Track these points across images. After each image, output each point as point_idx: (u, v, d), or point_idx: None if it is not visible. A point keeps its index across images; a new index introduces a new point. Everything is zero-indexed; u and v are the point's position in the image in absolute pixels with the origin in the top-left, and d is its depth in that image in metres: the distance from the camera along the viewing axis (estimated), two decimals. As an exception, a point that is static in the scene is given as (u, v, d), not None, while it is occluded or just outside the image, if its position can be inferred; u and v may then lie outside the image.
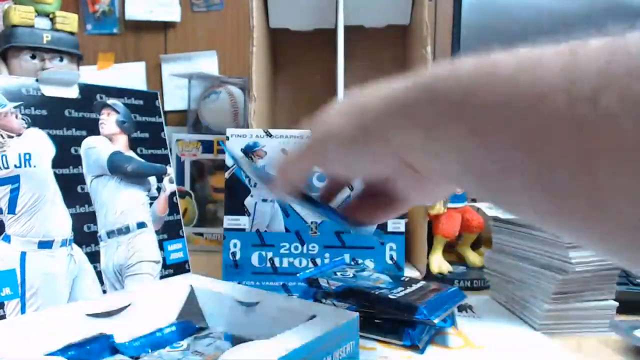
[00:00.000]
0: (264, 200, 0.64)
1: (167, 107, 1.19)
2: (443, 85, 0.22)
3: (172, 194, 0.60)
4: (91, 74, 1.14)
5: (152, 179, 0.58)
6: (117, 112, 0.55)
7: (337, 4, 0.82)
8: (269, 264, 0.63)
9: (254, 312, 0.42)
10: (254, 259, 0.63)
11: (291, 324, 0.34)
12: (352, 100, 0.30)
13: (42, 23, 0.91)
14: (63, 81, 0.51)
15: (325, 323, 0.35)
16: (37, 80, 0.49)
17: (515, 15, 1.05)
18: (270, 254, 0.63)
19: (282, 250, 0.63)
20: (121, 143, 0.55)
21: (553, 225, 0.20)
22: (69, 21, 0.94)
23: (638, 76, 0.14)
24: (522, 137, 0.18)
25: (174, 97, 1.18)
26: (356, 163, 0.30)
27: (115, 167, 0.54)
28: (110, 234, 0.52)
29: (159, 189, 0.58)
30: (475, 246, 0.80)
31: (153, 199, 0.57)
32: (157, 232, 0.57)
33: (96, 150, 0.52)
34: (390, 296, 0.47)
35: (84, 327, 0.39)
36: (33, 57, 0.89)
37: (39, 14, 0.91)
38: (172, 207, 0.59)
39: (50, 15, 0.92)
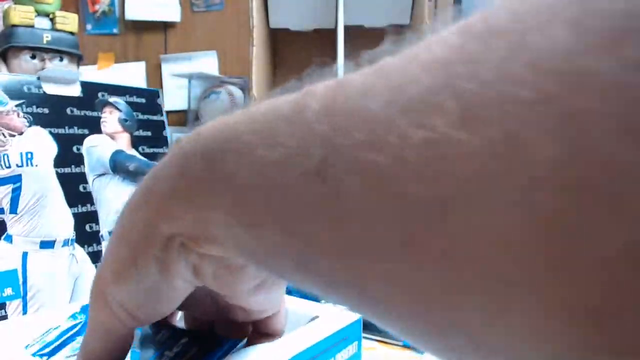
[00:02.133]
0: (264, 200, 0.64)
1: (167, 107, 1.19)
2: (190, 157, 0.16)
3: None
4: (91, 74, 1.14)
5: None
6: (119, 110, 0.56)
7: (337, 4, 0.82)
8: (269, 264, 0.63)
9: None
10: (254, 259, 0.63)
11: (294, 325, 0.34)
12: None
13: (42, 23, 0.91)
14: (65, 79, 0.51)
15: (329, 324, 0.34)
16: (38, 78, 0.49)
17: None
18: (270, 254, 0.63)
19: (282, 250, 0.63)
20: (123, 141, 0.55)
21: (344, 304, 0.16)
22: (69, 21, 0.94)
23: (360, 140, 0.11)
24: (276, 216, 0.14)
25: (174, 97, 1.18)
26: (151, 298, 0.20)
27: (118, 165, 0.54)
28: (112, 233, 0.52)
29: None
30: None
31: None
32: (158, 232, 0.57)
33: (98, 148, 0.53)
34: None
35: None
36: (33, 57, 0.89)
37: (39, 14, 0.91)
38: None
39: (50, 15, 0.92)
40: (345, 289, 0.14)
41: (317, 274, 0.14)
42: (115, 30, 1.17)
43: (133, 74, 1.18)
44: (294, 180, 0.13)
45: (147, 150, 0.58)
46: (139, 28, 1.17)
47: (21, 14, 0.88)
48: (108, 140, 0.54)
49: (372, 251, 0.12)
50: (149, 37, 1.18)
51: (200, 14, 1.17)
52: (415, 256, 0.11)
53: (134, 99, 0.58)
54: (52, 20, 0.92)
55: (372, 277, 0.12)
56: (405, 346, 0.45)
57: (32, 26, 0.90)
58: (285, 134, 0.14)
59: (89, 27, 1.17)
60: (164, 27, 1.18)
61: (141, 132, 0.58)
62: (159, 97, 0.61)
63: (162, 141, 0.60)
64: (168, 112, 1.21)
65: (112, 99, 0.56)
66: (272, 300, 0.23)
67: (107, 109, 0.55)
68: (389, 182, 0.11)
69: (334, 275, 0.14)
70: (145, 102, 0.59)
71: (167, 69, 1.18)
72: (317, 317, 0.35)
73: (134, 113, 0.57)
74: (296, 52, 0.96)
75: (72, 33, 0.94)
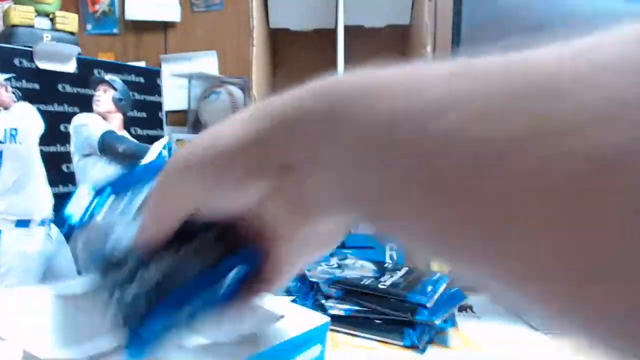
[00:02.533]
0: (264, 200, 0.64)
1: (167, 107, 1.19)
2: (335, 92, 0.19)
3: None
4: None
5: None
6: (115, 89, 0.54)
7: (337, 4, 0.82)
8: (269, 264, 0.63)
9: None
10: (254, 259, 0.63)
11: (259, 323, 0.32)
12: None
13: (42, 23, 0.91)
14: (60, 56, 0.49)
15: (293, 326, 0.32)
16: (32, 53, 0.47)
17: (516, 15, 1.05)
18: (270, 254, 0.63)
19: (282, 250, 0.63)
20: (115, 122, 0.53)
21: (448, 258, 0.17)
22: (69, 21, 0.93)
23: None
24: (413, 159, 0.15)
25: (174, 97, 1.18)
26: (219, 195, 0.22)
27: (107, 147, 0.52)
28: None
29: None
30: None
31: None
32: (144, 214, 0.55)
33: (87, 128, 0.51)
34: (380, 285, 0.48)
35: (52, 308, 0.37)
36: (33, 57, 0.89)
37: (39, 14, 0.91)
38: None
39: (51, 15, 0.92)
40: (486, 253, 0.14)
41: (457, 237, 0.15)
42: (115, 30, 1.17)
43: (133, 74, 1.18)
44: (448, 125, 0.14)
45: (140, 131, 0.56)
46: (139, 28, 1.17)
47: (21, 14, 0.88)
48: (99, 119, 0.52)
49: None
50: (149, 37, 1.18)
51: (200, 14, 1.17)
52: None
53: (132, 77, 0.56)
54: (52, 20, 0.92)
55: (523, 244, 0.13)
56: (406, 346, 0.45)
57: (32, 26, 0.90)
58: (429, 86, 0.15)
59: (89, 27, 1.17)
60: (164, 27, 1.17)
61: (136, 113, 0.55)
62: (159, 76, 0.59)
63: (157, 123, 0.58)
64: (168, 112, 1.21)
65: (109, 77, 0.54)
66: (294, 267, 0.25)
67: (102, 87, 0.53)
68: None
69: (476, 235, 0.14)
70: (144, 82, 0.56)
71: (167, 69, 1.18)
72: (282, 316, 0.33)
73: (130, 93, 0.55)
74: (296, 52, 0.96)
75: (72, 33, 0.94)
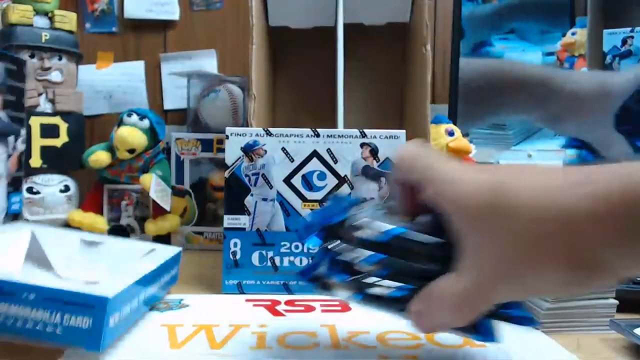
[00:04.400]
0: (264, 200, 0.64)
1: (167, 106, 1.19)
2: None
3: (21, 154, 0.69)
4: (91, 73, 1.14)
5: (10, 138, 0.65)
6: None
7: (336, 2, 0.82)
8: (269, 263, 0.63)
9: (97, 251, 0.45)
10: (255, 258, 0.63)
11: (138, 254, 0.44)
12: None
13: (41, 22, 0.91)
14: None
15: (162, 255, 0.45)
16: None
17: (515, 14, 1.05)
18: (270, 253, 0.63)
19: (282, 250, 0.63)
20: None
21: None
22: (68, 20, 0.93)
23: None
24: None
25: (174, 96, 1.18)
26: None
27: None
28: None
29: (14, 148, 0.65)
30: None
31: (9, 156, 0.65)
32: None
33: None
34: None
35: None
36: (32, 56, 0.89)
37: (38, 12, 0.91)
38: (20, 165, 0.69)
39: (49, 14, 0.92)
40: None
41: None
42: (114, 29, 1.17)
43: (132, 73, 1.17)
44: None
45: (10, 113, 0.63)
46: (138, 27, 1.17)
47: (20, 13, 0.88)
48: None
49: None
50: (148, 36, 1.17)
51: (200, 12, 1.17)
52: None
53: (7, 64, 0.63)
54: (50, 19, 0.92)
55: None
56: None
57: (31, 25, 0.89)
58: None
59: (88, 25, 1.16)
60: (164, 26, 1.17)
61: (9, 97, 0.62)
62: (25, 66, 0.70)
63: (21, 107, 0.67)
64: (167, 111, 1.21)
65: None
66: None
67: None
68: None
69: None
70: (16, 70, 0.64)
71: (166, 68, 1.18)
72: (154, 249, 0.49)
73: (8, 78, 0.62)
74: (296, 50, 0.96)
75: (71, 32, 0.94)
